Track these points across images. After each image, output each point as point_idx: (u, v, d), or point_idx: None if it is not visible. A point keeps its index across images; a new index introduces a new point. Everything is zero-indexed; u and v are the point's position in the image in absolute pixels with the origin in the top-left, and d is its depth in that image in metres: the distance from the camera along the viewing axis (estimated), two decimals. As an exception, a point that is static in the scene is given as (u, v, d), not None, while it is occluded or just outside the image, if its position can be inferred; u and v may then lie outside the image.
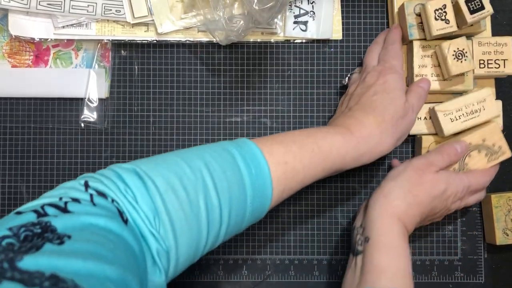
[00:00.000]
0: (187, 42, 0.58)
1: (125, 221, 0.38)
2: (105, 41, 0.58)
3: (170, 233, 0.40)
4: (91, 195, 0.39)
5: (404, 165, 0.52)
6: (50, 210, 0.36)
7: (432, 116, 0.56)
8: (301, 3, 0.58)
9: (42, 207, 0.36)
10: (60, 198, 0.38)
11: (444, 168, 0.53)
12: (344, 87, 0.59)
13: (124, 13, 0.56)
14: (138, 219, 0.39)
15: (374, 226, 0.49)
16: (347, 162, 0.48)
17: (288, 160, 0.46)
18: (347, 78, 0.59)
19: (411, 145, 0.59)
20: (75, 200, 0.38)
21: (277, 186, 0.45)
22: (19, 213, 0.35)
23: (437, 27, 0.52)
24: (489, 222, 0.57)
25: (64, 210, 0.36)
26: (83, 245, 0.33)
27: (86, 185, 0.39)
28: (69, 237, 0.33)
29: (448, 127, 0.54)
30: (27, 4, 0.55)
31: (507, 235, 0.56)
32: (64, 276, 0.30)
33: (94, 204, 0.38)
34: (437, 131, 0.56)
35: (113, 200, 0.39)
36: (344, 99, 0.56)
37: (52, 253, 0.31)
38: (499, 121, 0.56)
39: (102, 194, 0.39)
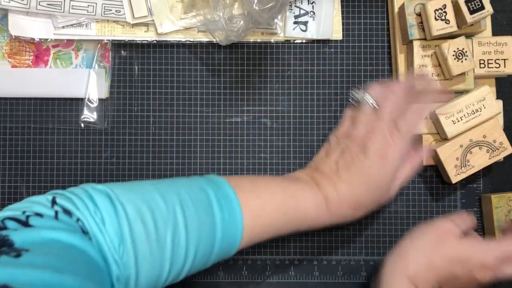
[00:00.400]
0: (187, 42, 0.58)
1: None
2: (105, 41, 0.58)
3: (132, 262, 0.40)
4: (56, 212, 0.38)
5: (426, 226, 0.51)
6: (10, 224, 0.35)
7: (434, 119, 0.56)
8: (301, 3, 0.58)
9: (3, 220, 0.35)
10: (23, 212, 0.37)
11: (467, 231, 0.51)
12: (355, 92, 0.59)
13: (124, 13, 0.56)
14: (103, 242, 0.38)
15: (385, 286, 0.49)
16: (316, 227, 0.50)
17: (261, 214, 0.47)
18: (355, 92, 0.54)
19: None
20: (38, 214, 0.37)
21: (246, 236, 0.46)
22: None
23: (437, 27, 0.52)
24: (489, 223, 0.57)
25: (25, 224, 0.36)
26: (40, 258, 0.33)
27: (54, 202, 0.39)
28: (27, 250, 0.33)
29: (451, 130, 0.54)
30: (27, 4, 0.55)
31: None
32: (17, 287, 0.29)
33: (57, 220, 0.37)
34: (440, 133, 0.56)
35: (78, 220, 0.38)
36: (336, 138, 0.53)
37: (6, 264, 0.31)
38: (500, 119, 0.56)
39: (67, 212, 0.38)
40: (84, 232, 0.38)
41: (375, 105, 0.51)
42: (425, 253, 0.49)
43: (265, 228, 0.47)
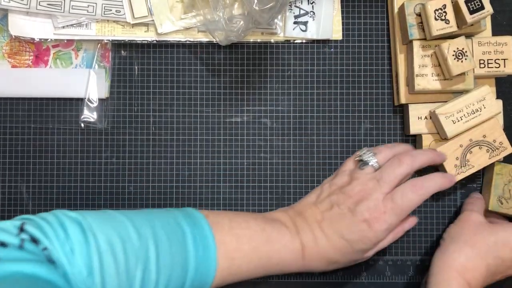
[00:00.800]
0: (187, 42, 0.58)
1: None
2: (105, 41, 0.58)
3: None
4: (22, 240, 0.37)
5: (456, 221, 0.53)
6: None
7: (434, 119, 0.56)
8: (301, 3, 0.58)
9: None
10: None
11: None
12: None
13: (124, 13, 0.56)
14: (70, 273, 0.37)
15: (433, 281, 0.48)
16: (288, 273, 0.50)
17: (236, 256, 0.46)
18: (362, 153, 0.52)
19: (411, 145, 0.59)
20: (2, 244, 0.36)
21: (219, 276, 0.46)
22: None
23: (437, 27, 0.52)
24: (487, 188, 0.57)
25: None
26: None
27: (21, 229, 0.38)
28: None
29: (451, 129, 0.54)
30: (27, 4, 0.55)
31: (501, 204, 0.56)
32: None
33: (22, 249, 0.36)
34: (440, 133, 0.56)
35: (45, 248, 0.37)
36: (330, 188, 0.52)
37: None
38: (500, 119, 0.56)
39: (34, 241, 0.38)
40: (51, 261, 0.37)
41: (377, 168, 0.51)
42: (466, 243, 0.49)
43: (239, 269, 0.47)
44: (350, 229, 0.48)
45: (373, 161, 0.51)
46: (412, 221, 0.53)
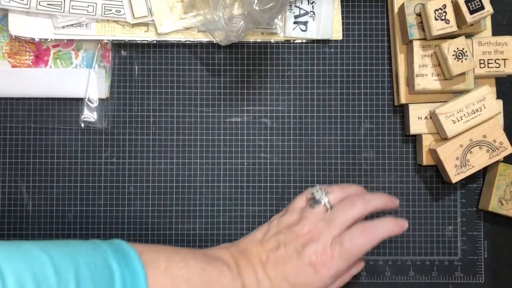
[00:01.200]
0: (187, 42, 0.58)
1: None
2: (105, 41, 0.58)
3: None
4: None
5: None
6: None
7: (434, 119, 0.56)
8: (301, 3, 0.58)
9: None
10: None
11: None
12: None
13: (124, 13, 0.56)
14: None
15: None
16: None
17: None
18: (314, 191, 0.50)
19: (411, 145, 0.59)
20: None
21: None
22: None
23: (437, 27, 0.52)
24: (488, 189, 0.57)
25: None
26: None
27: None
28: None
29: (451, 129, 0.54)
30: (27, 4, 0.55)
31: (502, 205, 0.56)
32: None
33: None
34: (440, 133, 0.56)
35: None
36: (278, 224, 0.49)
37: None
38: (500, 119, 0.56)
39: None
40: None
41: (329, 208, 0.49)
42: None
43: None
44: (296, 273, 0.46)
45: (325, 200, 0.49)
46: (359, 266, 0.51)
